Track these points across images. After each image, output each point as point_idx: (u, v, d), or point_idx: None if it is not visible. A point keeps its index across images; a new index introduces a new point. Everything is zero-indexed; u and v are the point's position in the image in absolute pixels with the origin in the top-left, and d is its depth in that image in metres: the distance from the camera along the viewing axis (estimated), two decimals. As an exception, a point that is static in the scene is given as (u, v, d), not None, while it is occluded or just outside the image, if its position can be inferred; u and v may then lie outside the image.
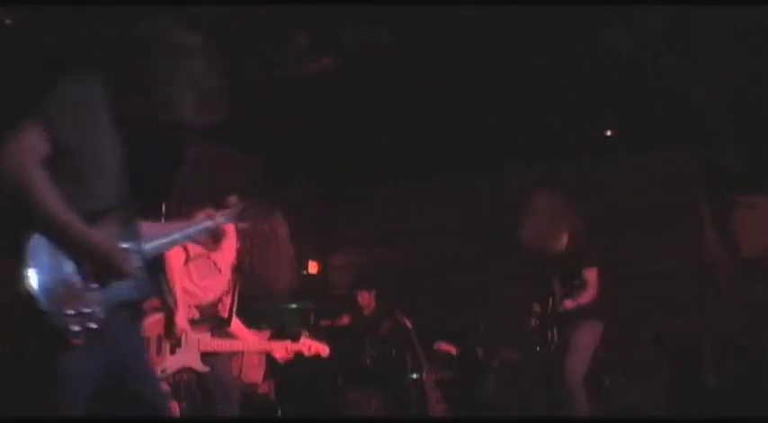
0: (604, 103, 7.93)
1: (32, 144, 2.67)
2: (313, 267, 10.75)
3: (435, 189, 10.24)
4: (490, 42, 6.54)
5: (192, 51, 2.98)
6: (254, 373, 8.28)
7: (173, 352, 5.03)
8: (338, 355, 8.26)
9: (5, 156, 2.64)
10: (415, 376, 8.25)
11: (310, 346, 5.84)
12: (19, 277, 2.61)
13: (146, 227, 3.07)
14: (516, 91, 7.52)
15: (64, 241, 2.69)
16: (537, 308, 6.86)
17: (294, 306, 9.58)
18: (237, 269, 5.39)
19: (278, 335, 8.56)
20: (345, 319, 8.77)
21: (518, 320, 7.18)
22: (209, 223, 3.36)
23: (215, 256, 5.26)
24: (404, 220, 10.34)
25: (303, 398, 8.06)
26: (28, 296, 2.60)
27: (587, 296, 6.58)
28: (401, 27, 6.28)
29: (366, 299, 8.71)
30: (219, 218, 3.41)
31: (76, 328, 2.68)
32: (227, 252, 5.33)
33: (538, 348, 6.90)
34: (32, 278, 2.61)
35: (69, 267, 2.72)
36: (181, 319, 5.00)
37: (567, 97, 7.67)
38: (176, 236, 3.24)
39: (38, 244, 2.66)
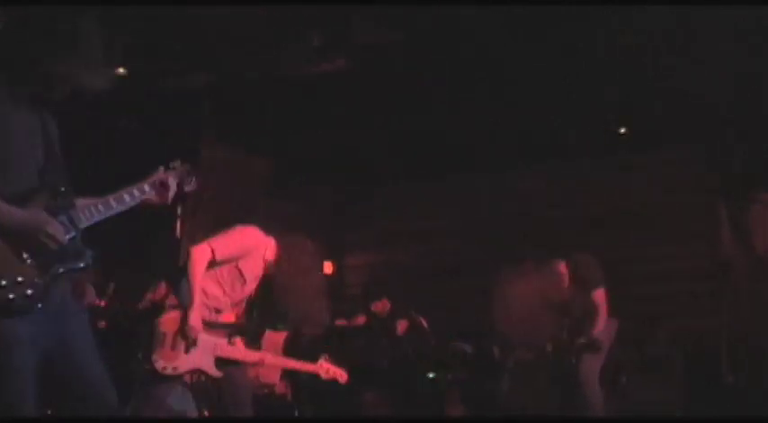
0: (610, 103, 7.91)
1: None
2: (327, 268, 10.77)
3: (450, 189, 10.26)
4: (495, 43, 6.56)
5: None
6: (271, 374, 8.29)
7: (186, 351, 5.01)
8: (354, 356, 8.28)
9: None
10: (431, 376, 8.24)
11: (328, 369, 5.82)
12: None
13: (84, 201, 3.20)
14: (528, 91, 7.52)
15: None
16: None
17: (309, 306, 9.59)
18: (263, 281, 5.35)
19: (294, 337, 8.60)
20: (361, 320, 8.76)
21: (533, 319, 7.18)
22: (145, 186, 3.39)
23: (242, 264, 5.23)
24: (418, 221, 10.36)
25: (320, 398, 8.06)
26: None
27: (600, 323, 6.58)
28: (408, 28, 6.29)
29: (380, 307, 8.67)
30: (157, 179, 3.44)
31: (11, 296, 2.83)
32: (256, 263, 5.29)
33: (550, 347, 6.94)
34: None
35: None
36: (195, 319, 4.98)
37: (572, 97, 7.67)
38: (111, 203, 3.25)
39: None
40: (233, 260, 5.16)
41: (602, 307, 6.64)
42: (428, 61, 6.93)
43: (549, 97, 7.67)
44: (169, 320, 4.95)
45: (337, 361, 8.18)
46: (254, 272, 5.26)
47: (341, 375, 5.87)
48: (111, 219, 3.22)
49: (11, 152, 2.98)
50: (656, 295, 8.47)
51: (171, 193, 3.46)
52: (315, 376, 8.11)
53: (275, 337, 8.58)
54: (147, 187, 3.38)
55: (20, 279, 2.86)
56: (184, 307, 4.95)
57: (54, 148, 3.17)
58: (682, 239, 8.84)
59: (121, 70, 6.89)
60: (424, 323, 8.38)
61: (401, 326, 8.47)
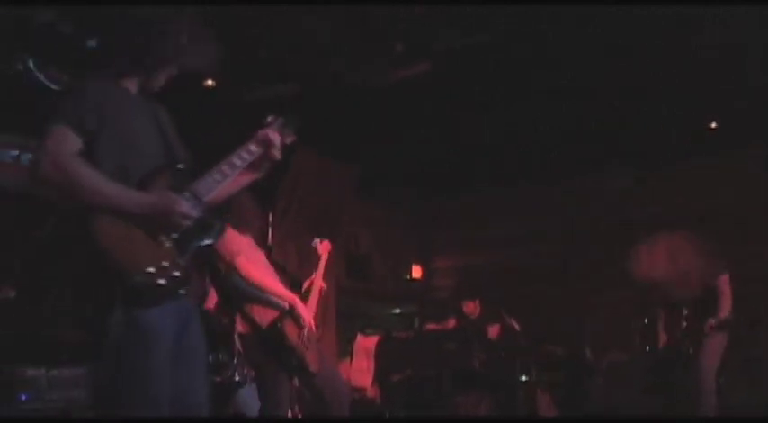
0: (698, 98, 7.71)
1: (61, 141, 2.91)
2: (416, 271, 10.80)
3: (539, 192, 10.17)
4: (578, 42, 6.47)
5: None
6: (363, 378, 8.37)
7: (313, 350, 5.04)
8: (445, 359, 8.28)
9: (42, 162, 2.89)
10: (523, 379, 8.19)
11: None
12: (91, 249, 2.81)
13: (200, 176, 3.21)
14: (612, 92, 7.41)
15: (119, 210, 2.88)
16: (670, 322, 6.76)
17: (398, 311, 9.64)
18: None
19: (385, 341, 8.64)
20: (451, 323, 8.76)
21: (626, 320, 7.09)
22: (251, 146, 3.34)
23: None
24: (507, 223, 10.31)
25: (411, 402, 8.09)
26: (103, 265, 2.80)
27: (725, 308, 6.45)
28: (490, 31, 6.27)
29: (471, 307, 8.65)
30: (260, 136, 3.39)
31: (162, 281, 2.85)
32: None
33: (647, 348, 6.83)
34: (107, 248, 2.80)
35: (135, 233, 2.90)
36: (310, 319, 5.04)
37: (658, 94, 7.52)
38: (225, 170, 3.24)
39: (101, 224, 2.84)
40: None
41: (726, 292, 6.53)
42: (512, 64, 6.88)
43: (646, 97, 7.54)
44: (292, 330, 4.97)
45: (428, 365, 8.24)
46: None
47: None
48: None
49: (132, 137, 3.07)
50: (754, 296, 8.20)
51: (277, 146, 3.40)
52: (406, 380, 8.17)
53: (366, 342, 8.67)
54: (253, 147, 3.34)
55: (164, 263, 2.88)
56: (285, 313, 4.96)
57: (167, 131, 3.25)
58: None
59: (210, 82, 7.05)
60: (516, 325, 8.33)
61: (493, 329, 8.44)
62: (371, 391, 8.23)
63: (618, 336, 8.01)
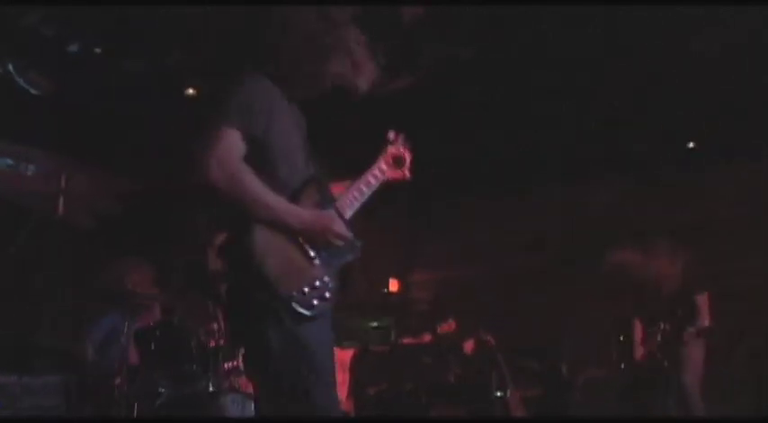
0: (689, 113, 7.75)
1: (231, 145, 2.86)
2: (393, 285, 10.75)
3: (519, 205, 10.18)
4: (563, 57, 6.49)
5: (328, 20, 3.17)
6: (339, 391, 8.31)
7: None
8: (421, 373, 8.26)
9: (210, 164, 2.81)
10: (499, 394, 8.17)
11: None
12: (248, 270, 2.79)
13: (334, 189, 3.21)
14: (596, 103, 7.44)
15: (280, 223, 2.86)
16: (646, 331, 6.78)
17: (375, 324, 9.57)
18: None
19: (361, 354, 8.59)
20: (427, 337, 8.73)
21: (603, 336, 7.08)
22: (382, 165, 3.38)
23: None
24: (486, 236, 10.30)
25: (386, 416, 8.05)
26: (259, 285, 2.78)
27: (704, 319, 6.51)
28: (476, 43, 6.27)
29: (447, 328, 8.61)
30: (390, 154, 3.43)
31: (316, 302, 2.87)
32: None
33: (623, 365, 6.84)
34: (266, 262, 2.80)
35: (291, 248, 2.90)
36: None
37: (649, 108, 7.55)
38: (362, 188, 3.27)
39: (260, 236, 2.82)
40: None
41: (705, 308, 6.60)
42: (495, 77, 6.89)
43: (630, 109, 7.57)
44: None
45: (404, 378, 8.21)
46: None
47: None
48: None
49: (287, 144, 3.04)
50: (737, 312, 8.23)
51: (407, 164, 3.46)
52: (381, 394, 8.12)
53: (341, 355, 8.62)
54: (384, 165, 3.38)
55: (317, 283, 2.91)
56: None
57: (306, 139, 3.22)
58: (756, 254, 8.61)
59: (191, 91, 7.00)
60: (492, 340, 8.32)
61: (468, 344, 8.42)
62: (346, 405, 8.17)
63: (595, 351, 8.01)
